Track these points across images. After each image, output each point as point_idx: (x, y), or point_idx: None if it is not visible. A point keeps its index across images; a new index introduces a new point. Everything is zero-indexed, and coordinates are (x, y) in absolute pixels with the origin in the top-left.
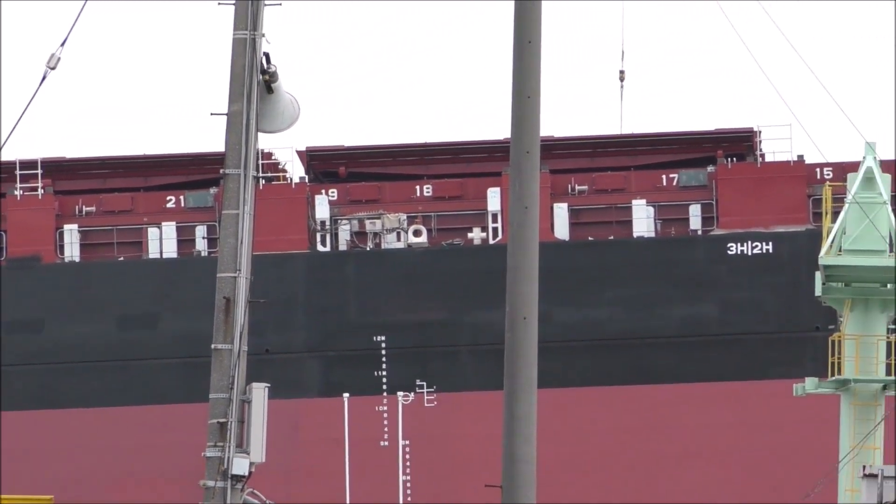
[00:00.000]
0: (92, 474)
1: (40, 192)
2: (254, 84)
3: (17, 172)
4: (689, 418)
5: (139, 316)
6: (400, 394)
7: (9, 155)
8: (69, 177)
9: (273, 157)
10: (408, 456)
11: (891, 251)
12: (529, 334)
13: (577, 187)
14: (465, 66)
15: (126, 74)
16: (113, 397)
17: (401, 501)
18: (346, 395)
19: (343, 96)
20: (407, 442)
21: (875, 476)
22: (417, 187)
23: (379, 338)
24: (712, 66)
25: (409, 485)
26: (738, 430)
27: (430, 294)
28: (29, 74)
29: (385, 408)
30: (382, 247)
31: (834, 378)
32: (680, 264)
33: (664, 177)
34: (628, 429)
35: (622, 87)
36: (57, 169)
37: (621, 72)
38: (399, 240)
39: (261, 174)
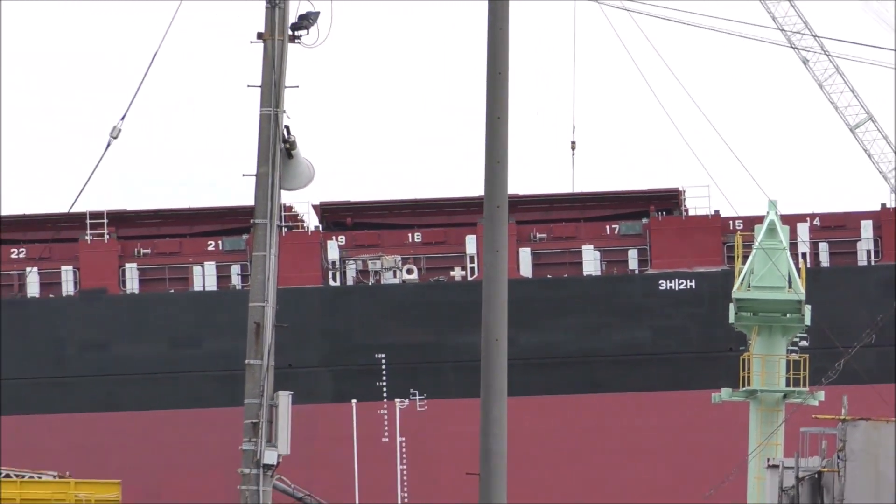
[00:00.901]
0: (150, 464)
1: (106, 237)
2: (277, 151)
3: (88, 221)
4: (628, 421)
5: (186, 337)
6: (397, 400)
7: (79, 207)
8: (129, 225)
9: (293, 210)
10: (404, 450)
11: (789, 287)
12: (500, 353)
13: (537, 235)
14: (447, 134)
15: (171, 143)
16: (165, 402)
17: (398, 486)
18: (353, 401)
19: (348, 159)
20: (403, 439)
21: (777, 466)
22: (410, 234)
23: (380, 355)
24: (646, 136)
25: (405, 473)
26: (666, 431)
27: (421, 320)
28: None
29: (385, 411)
30: (381, 282)
31: (744, 389)
32: (620, 297)
33: (608, 227)
34: (579, 429)
35: (573, 154)
36: (119, 218)
37: (573, 143)
38: (395, 277)
39: (283, 224)
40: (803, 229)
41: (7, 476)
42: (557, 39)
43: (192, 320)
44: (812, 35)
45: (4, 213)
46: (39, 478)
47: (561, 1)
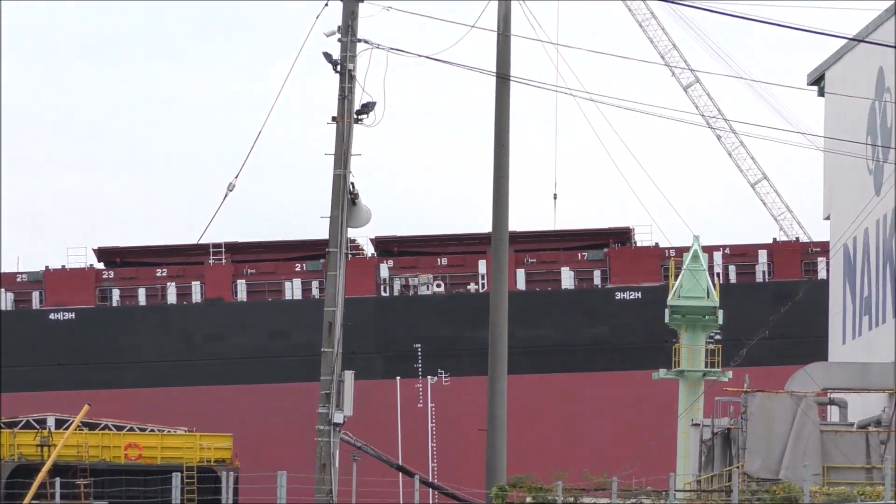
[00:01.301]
0: (252, 422)
1: (223, 261)
2: (345, 201)
3: (210, 250)
4: (593, 391)
5: (280, 332)
6: (429, 377)
7: (204, 239)
8: (240, 252)
9: (355, 242)
10: (433, 413)
11: (708, 297)
12: (502, 343)
13: (529, 260)
14: (465, 185)
15: (267, 191)
16: (264, 378)
17: (429, 438)
18: (398, 378)
19: (396, 204)
20: (433, 405)
21: (698, 425)
22: (438, 259)
23: (416, 345)
24: (607, 189)
25: (434, 429)
26: (620, 398)
27: (446, 320)
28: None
29: (420, 385)
30: (418, 293)
31: (675, 369)
32: (588, 304)
33: (579, 254)
34: (558, 396)
35: (555, 202)
36: (232, 248)
37: (555, 194)
38: (428, 289)
39: (348, 252)
40: (718, 256)
41: (151, 430)
42: (544, 120)
43: (284, 320)
44: (724, 119)
45: (151, 243)
46: (174, 432)
47: (545, 93)
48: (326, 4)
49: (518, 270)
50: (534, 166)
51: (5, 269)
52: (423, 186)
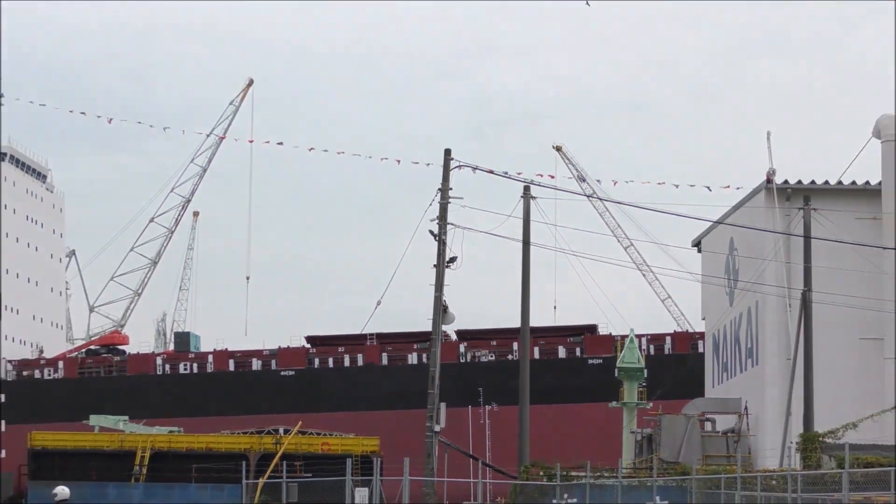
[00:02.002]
0: (392, 429)
1: (375, 342)
2: (440, 310)
3: (367, 337)
4: (577, 413)
5: (406, 381)
6: (486, 406)
7: (364, 331)
8: (383, 338)
9: (446, 332)
10: (489, 425)
11: (638, 362)
12: (526, 387)
13: (541, 342)
14: (505, 298)
15: (396, 302)
16: (396, 406)
17: (486, 441)
18: (469, 406)
19: (466, 309)
20: (489, 421)
21: (634, 433)
22: (491, 341)
23: (479, 388)
24: (583, 303)
25: (490, 436)
26: (592, 418)
27: (497, 375)
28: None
29: (482, 411)
30: (480, 360)
31: (621, 401)
32: (573, 367)
33: (568, 338)
34: (559, 416)
35: (555, 310)
36: (379, 336)
37: (555, 306)
38: (485, 359)
39: (442, 338)
40: (644, 340)
41: (335, 435)
42: (550, 264)
43: (408, 375)
44: (647, 265)
45: (335, 333)
46: (348, 436)
47: (547, 252)
48: (431, 204)
49: (535, 347)
50: (543, 289)
51: (256, 347)
52: (484, 299)
